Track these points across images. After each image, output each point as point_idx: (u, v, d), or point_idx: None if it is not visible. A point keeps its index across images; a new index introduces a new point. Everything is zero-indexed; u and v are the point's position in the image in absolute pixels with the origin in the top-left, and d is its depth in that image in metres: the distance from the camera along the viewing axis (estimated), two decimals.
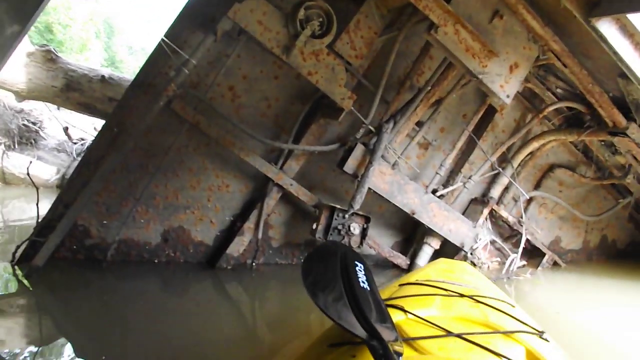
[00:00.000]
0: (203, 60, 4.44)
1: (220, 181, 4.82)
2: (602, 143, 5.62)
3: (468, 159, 5.61)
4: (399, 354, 1.61)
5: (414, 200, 4.94)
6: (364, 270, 2.06)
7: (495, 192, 5.70)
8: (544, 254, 6.15)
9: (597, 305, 5.43)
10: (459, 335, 1.98)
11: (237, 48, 4.56)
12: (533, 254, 6.15)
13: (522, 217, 5.78)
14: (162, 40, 4.22)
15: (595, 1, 3.78)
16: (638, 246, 7.27)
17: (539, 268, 6.17)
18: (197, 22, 4.40)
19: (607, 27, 3.87)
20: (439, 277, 2.85)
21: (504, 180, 5.71)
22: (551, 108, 5.29)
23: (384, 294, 2.51)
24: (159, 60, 4.41)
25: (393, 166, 4.82)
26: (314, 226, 4.67)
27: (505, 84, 4.26)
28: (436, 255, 5.30)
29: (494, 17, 4.06)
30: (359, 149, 4.62)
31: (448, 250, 5.38)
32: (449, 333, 1.99)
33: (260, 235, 4.82)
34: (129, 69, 19.08)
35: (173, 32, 4.35)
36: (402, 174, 4.91)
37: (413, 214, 4.96)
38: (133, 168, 4.48)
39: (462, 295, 2.47)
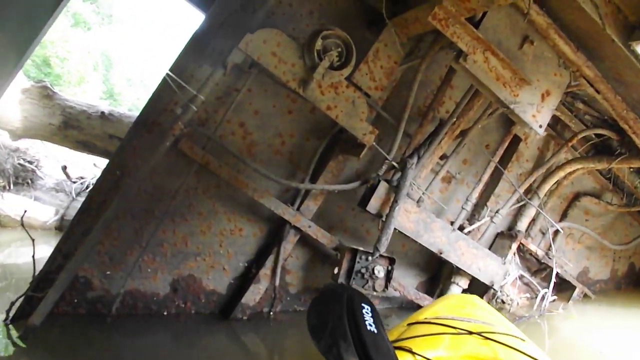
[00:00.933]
0: (211, 95, 4.06)
1: (232, 225, 4.40)
2: (631, 170, 5.28)
3: (494, 192, 5.22)
4: None
5: (441, 239, 4.51)
6: (371, 312, 2.02)
7: (522, 225, 5.29)
8: (573, 287, 5.73)
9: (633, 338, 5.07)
10: None
11: (247, 82, 4.17)
12: (562, 287, 5.71)
13: (550, 250, 5.42)
14: (167, 74, 3.84)
15: (633, 24, 3.47)
16: None
17: (570, 302, 5.76)
18: (205, 55, 4.03)
19: None
20: (449, 314, 2.81)
21: (530, 212, 5.31)
22: (581, 135, 4.91)
23: (392, 335, 2.51)
24: (164, 97, 4.00)
25: (418, 203, 4.44)
26: (335, 270, 4.26)
27: (537, 114, 3.86)
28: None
29: (524, 42, 3.67)
30: (382, 187, 4.19)
31: (476, 288, 4.94)
32: None
33: (277, 282, 4.38)
34: (127, 102, 18.78)
35: (178, 66, 3.96)
36: (427, 211, 4.48)
37: (441, 253, 4.52)
38: (138, 214, 4.05)
39: (470, 333, 2.46)
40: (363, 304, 2.05)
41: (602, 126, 4.87)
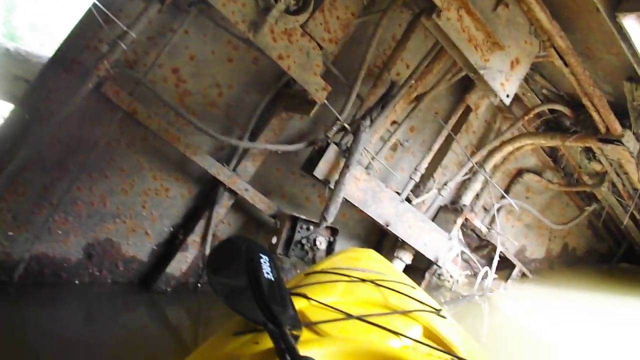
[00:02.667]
0: (143, 34, 3.67)
1: (158, 184, 4.06)
2: (581, 149, 5.43)
3: (441, 163, 5.11)
4: (297, 337, 1.74)
5: (389, 210, 4.34)
6: (269, 262, 2.15)
7: (467, 199, 5.21)
8: (512, 266, 5.81)
9: (567, 316, 5.27)
10: (358, 318, 2.11)
11: (185, 22, 3.81)
12: (500, 266, 5.65)
13: (493, 227, 5.53)
14: (94, 5, 3.48)
15: None
16: (595, 253, 7.16)
17: (509, 281, 5.86)
18: None
19: (631, 25, 3.49)
20: (345, 265, 2.96)
21: (475, 187, 5.24)
22: (537, 110, 4.86)
23: (289, 284, 2.67)
24: (87, 31, 3.56)
25: (367, 170, 4.35)
26: (274, 240, 4.04)
27: (506, 82, 3.72)
28: (407, 270, 4.74)
29: (499, 4, 3.46)
30: (332, 151, 3.95)
31: (419, 263, 4.87)
32: (349, 316, 2.12)
33: (207, 251, 4.08)
34: (30, 48, 17.36)
35: None
36: (377, 179, 4.31)
37: (387, 225, 4.34)
38: (49, 166, 3.61)
39: (364, 281, 2.64)
40: (261, 254, 2.19)
41: (558, 102, 4.88)
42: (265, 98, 4.26)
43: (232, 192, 4.13)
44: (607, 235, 6.88)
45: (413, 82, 4.16)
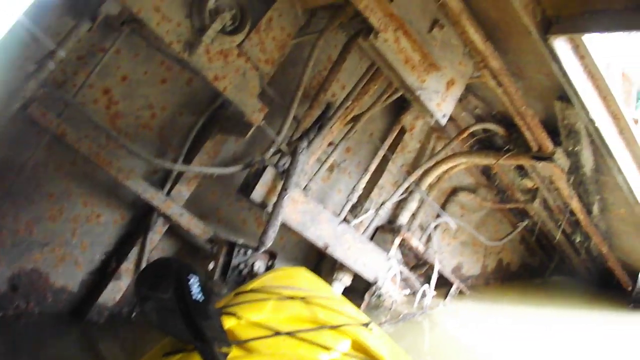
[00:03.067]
0: (72, 53, 3.54)
1: (89, 210, 3.94)
2: (513, 167, 5.59)
3: (377, 183, 5.18)
4: (225, 355, 1.88)
5: (327, 232, 4.33)
6: (199, 282, 2.18)
7: (404, 219, 5.30)
8: (450, 283, 5.89)
9: (507, 331, 5.39)
10: (287, 333, 2.24)
11: (117, 41, 3.69)
12: (438, 283, 5.69)
13: (430, 245, 5.63)
14: (20, 21, 3.38)
15: (550, 18, 3.57)
16: (528, 267, 7.36)
17: (447, 298, 5.91)
18: (68, 3, 3.45)
19: (561, 47, 3.66)
20: (275, 284, 3.05)
21: (412, 206, 5.32)
22: (471, 129, 4.98)
23: (220, 304, 2.64)
24: (13, 49, 3.46)
25: (305, 192, 4.35)
26: (210, 266, 3.99)
27: (442, 102, 3.83)
28: (346, 291, 4.78)
29: (434, 26, 3.58)
30: (269, 173, 3.93)
31: (359, 284, 4.87)
32: (278, 333, 2.23)
33: None
34: None
35: (33, 14, 3.38)
36: (315, 201, 4.30)
37: (326, 248, 4.34)
38: None
39: (293, 298, 2.73)
40: (190, 275, 2.20)
41: (491, 121, 5.01)
42: (200, 120, 4.22)
43: (167, 217, 4.04)
44: (539, 250, 7.12)
45: (350, 103, 4.22)
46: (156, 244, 4.11)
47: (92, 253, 4.01)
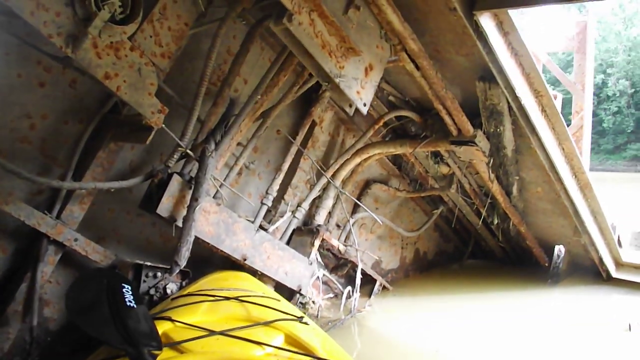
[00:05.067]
0: None
1: None
2: (427, 154, 5.51)
3: (290, 183, 4.87)
4: (154, 357, 1.90)
5: (244, 242, 3.97)
6: (130, 291, 2.37)
7: (321, 218, 5.01)
8: (373, 281, 5.75)
9: (435, 322, 5.34)
10: (221, 333, 2.31)
11: None
12: (361, 282, 5.75)
13: (349, 243, 5.42)
14: None
15: None
16: (444, 254, 7.42)
17: (372, 296, 5.78)
18: None
19: (487, 23, 3.55)
20: (211, 287, 3.19)
21: (327, 204, 5.05)
22: (387, 117, 4.78)
23: (155, 310, 2.83)
24: None
25: (216, 200, 3.98)
26: None
27: (362, 90, 3.57)
28: None
29: (349, 7, 3.26)
30: (175, 182, 3.50)
31: (281, 293, 4.54)
32: (211, 332, 2.29)
33: (34, 321, 3.42)
34: None
35: None
36: (227, 209, 3.90)
37: (245, 260, 3.97)
38: None
39: (227, 298, 2.87)
40: (123, 284, 2.38)
41: (405, 108, 4.89)
42: (89, 128, 3.69)
43: (59, 244, 3.49)
44: (453, 235, 7.17)
45: (258, 97, 3.91)
46: (49, 276, 3.58)
47: None
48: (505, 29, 3.82)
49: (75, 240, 3.55)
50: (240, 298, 2.90)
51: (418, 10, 3.63)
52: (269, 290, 3.65)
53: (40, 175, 3.45)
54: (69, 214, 3.58)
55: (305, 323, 2.72)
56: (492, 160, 4.87)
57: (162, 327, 2.30)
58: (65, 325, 3.76)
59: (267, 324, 2.56)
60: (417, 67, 4.00)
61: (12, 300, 3.40)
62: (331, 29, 3.32)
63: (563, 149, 4.85)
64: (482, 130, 4.59)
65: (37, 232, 3.42)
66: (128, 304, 2.26)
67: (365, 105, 3.72)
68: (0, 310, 3.40)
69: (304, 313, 4.82)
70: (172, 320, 2.42)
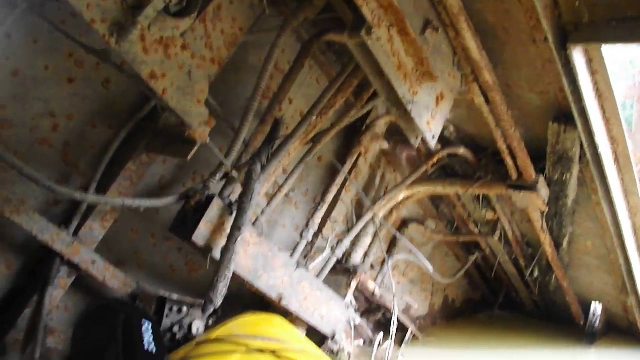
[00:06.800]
0: None
1: None
2: (473, 197, 4.96)
3: (330, 216, 4.21)
4: None
5: (282, 279, 3.35)
6: (152, 329, 1.93)
7: (358, 257, 4.40)
8: (405, 328, 5.08)
9: None
10: None
11: (7, 21, 2.58)
12: (387, 328, 4.94)
13: (384, 287, 4.79)
14: None
15: (566, 26, 2.95)
16: (471, 303, 6.79)
17: (403, 345, 5.06)
18: None
19: (578, 59, 3.02)
20: (242, 332, 2.74)
21: (365, 242, 4.45)
22: (443, 154, 4.21)
23: (177, 355, 2.41)
24: None
25: (256, 229, 3.37)
26: None
27: (432, 121, 3.03)
28: None
29: (427, 27, 2.76)
30: (216, 207, 2.92)
31: (312, 337, 3.84)
32: None
33: (37, 354, 2.76)
34: None
35: None
36: (268, 242, 3.32)
37: (281, 300, 3.35)
38: None
39: (262, 351, 2.47)
40: (143, 320, 1.96)
41: (459, 145, 4.33)
42: (120, 134, 3.13)
43: (73, 266, 2.89)
44: (482, 284, 6.56)
45: (314, 118, 3.34)
46: (57, 302, 2.96)
47: None
48: (594, 67, 3.26)
49: (93, 262, 2.95)
50: (277, 353, 2.48)
51: (496, 39, 3.14)
52: (307, 342, 3.11)
53: (59, 183, 2.87)
54: (88, 231, 2.99)
55: None
56: (546, 210, 4.31)
57: None
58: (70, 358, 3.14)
59: None
60: (487, 102, 3.44)
61: (12, 327, 2.77)
62: (410, 48, 2.78)
63: (628, 203, 4.28)
64: (544, 176, 4.04)
65: (48, 250, 2.82)
66: (147, 347, 1.87)
67: (434, 137, 3.15)
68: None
69: None
70: None
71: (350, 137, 4.39)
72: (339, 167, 4.13)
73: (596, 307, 5.69)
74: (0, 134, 2.73)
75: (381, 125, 4.41)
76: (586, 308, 5.74)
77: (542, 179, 3.95)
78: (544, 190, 3.98)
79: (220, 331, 2.75)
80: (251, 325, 2.95)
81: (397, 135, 4.68)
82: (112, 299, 3.13)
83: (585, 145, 3.65)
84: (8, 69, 2.69)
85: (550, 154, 3.82)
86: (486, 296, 6.75)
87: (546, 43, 2.93)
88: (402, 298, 5.11)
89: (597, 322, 5.67)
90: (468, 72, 3.23)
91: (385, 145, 4.61)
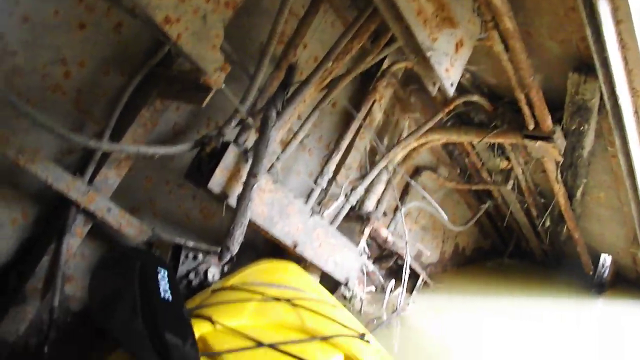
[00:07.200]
0: None
1: None
2: (488, 145, 4.83)
3: (344, 163, 4.14)
4: None
5: (297, 226, 3.33)
6: (167, 277, 1.90)
7: (371, 205, 4.36)
8: (416, 275, 5.10)
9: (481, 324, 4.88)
10: (270, 346, 1.95)
11: None
12: (398, 274, 4.93)
13: (397, 233, 4.78)
14: None
15: None
16: (480, 251, 6.78)
17: (414, 292, 5.12)
18: None
19: (603, 7, 2.84)
20: (258, 280, 2.72)
21: (378, 189, 4.40)
22: (459, 101, 4.04)
23: (193, 302, 2.39)
24: None
25: (272, 175, 3.32)
26: None
27: (450, 68, 2.88)
28: None
29: None
30: (232, 153, 2.87)
31: (325, 283, 3.85)
32: (259, 344, 1.94)
33: (56, 301, 2.77)
34: None
35: None
36: (283, 188, 3.30)
37: (295, 246, 3.35)
38: None
39: (278, 300, 2.45)
40: (159, 268, 1.92)
41: (476, 93, 4.15)
42: (133, 81, 3.01)
43: (89, 214, 2.86)
44: (493, 232, 6.53)
45: (330, 64, 3.23)
46: (74, 250, 2.95)
47: None
48: (619, 16, 3.10)
49: (109, 210, 2.91)
50: (293, 300, 2.46)
51: None
52: (323, 291, 3.10)
53: (73, 131, 2.80)
54: (103, 179, 2.94)
55: (367, 341, 2.35)
56: (561, 160, 4.23)
57: (201, 328, 1.97)
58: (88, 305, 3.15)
59: (324, 339, 2.19)
60: (506, 49, 3.31)
61: (31, 275, 2.76)
62: None
63: None
64: (560, 126, 3.94)
65: (64, 199, 2.77)
66: (163, 294, 1.81)
67: (452, 85, 3.04)
68: (17, 286, 2.76)
69: (347, 307, 4.25)
70: (213, 321, 2.05)
71: (365, 83, 4.25)
72: (353, 114, 4.04)
73: (605, 258, 5.70)
74: (12, 82, 2.64)
75: (396, 71, 4.30)
76: (596, 259, 5.75)
77: (559, 129, 3.84)
78: (560, 141, 3.88)
79: (236, 279, 2.74)
80: (266, 272, 2.95)
81: (412, 81, 4.58)
82: (128, 246, 3.12)
83: (606, 97, 3.53)
84: (18, 15, 2.57)
85: (568, 104, 3.70)
86: (496, 245, 6.74)
87: None
88: (414, 245, 5.09)
89: (606, 272, 5.69)
90: (488, 19, 3.08)
91: (400, 91, 4.52)
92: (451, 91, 3.04)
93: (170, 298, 1.82)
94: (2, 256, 2.80)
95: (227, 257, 2.72)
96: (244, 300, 2.37)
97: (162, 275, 1.90)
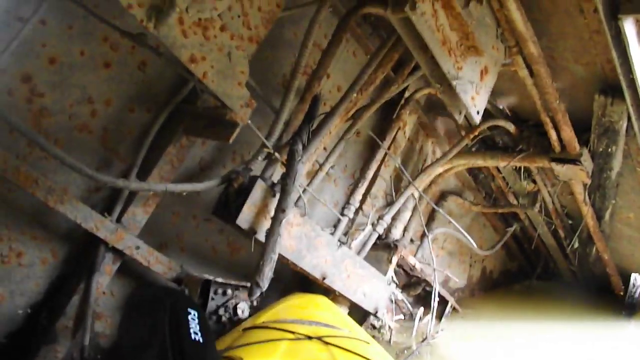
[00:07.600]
0: None
1: (5, 246, 2.67)
2: (514, 169, 4.75)
3: (370, 192, 4.11)
4: None
5: (325, 259, 3.28)
6: (197, 318, 1.88)
7: (397, 232, 4.28)
8: (445, 302, 5.00)
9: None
10: None
11: (40, 9, 2.47)
12: (427, 301, 4.81)
13: (424, 260, 4.69)
14: None
15: None
16: (508, 273, 6.68)
17: (443, 319, 5.02)
18: None
19: (629, 29, 2.84)
20: (289, 317, 2.70)
21: (404, 217, 4.33)
22: (484, 126, 4.00)
23: (224, 343, 2.36)
24: None
25: (299, 209, 3.28)
26: None
27: (476, 96, 2.87)
28: None
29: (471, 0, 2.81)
30: (259, 189, 2.83)
31: (354, 314, 3.72)
32: None
33: (87, 340, 2.73)
34: None
35: None
36: (310, 221, 3.24)
37: (324, 278, 3.28)
38: None
39: (310, 338, 2.39)
40: (189, 309, 1.90)
41: (500, 117, 4.10)
42: (159, 118, 3.01)
43: (118, 252, 2.84)
44: (519, 255, 6.41)
45: (355, 94, 3.19)
46: (104, 288, 2.92)
47: (13, 307, 2.72)
48: None
49: (137, 248, 2.89)
50: (324, 339, 2.40)
51: (540, 10, 2.97)
52: (354, 325, 3.02)
53: (100, 170, 2.82)
54: (130, 217, 2.92)
55: None
56: (589, 182, 4.13)
57: None
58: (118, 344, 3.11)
59: None
60: (531, 74, 3.25)
61: (62, 314, 2.73)
62: (454, 22, 2.62)
63: None
64: (587, 149, 3.86)
65: (93, 237, 2.76)
66: (193, 337, 1.78)
67: (478, 113, 3.00)
68: (48, 325, 2.74)
69: (375, 337, 4.15)
70: None
71: (387, 110, 4.20)
72: (379, 143, 3.99)
73: (636, 278, 5.54)
74: (41, 123, 2.64)
75: (420, 98, 4.25)
76: (626, 279, 5.61)
77: (586, 152, 3.77)
78: (587, 163, 3.81)
79: (267, 316, 2.72)
80: (297, 308, 2.92)
81: (436, 106, 4.53)
82: (158, 285, 3.08)
83: (634, 118, 3.48)
84: (45, 56, 2.58)
85: (595, 126, 3.66)
86: (523, 267, 6.61)
87: (595, 14, 2.77)
88: (442, 271, 4.99)
89: (637, 293, 5.53)
90: (512, 44, 3.05)
91: (424, 117, 4.47)
92: (478, 119, 2.99)
93: (202, 340, 1.79)
94: (32, 296, 2.78)
95: (258, 294, 2.66)
96: (275, 339, 2.33)
97: (193, 316, 1.88)
